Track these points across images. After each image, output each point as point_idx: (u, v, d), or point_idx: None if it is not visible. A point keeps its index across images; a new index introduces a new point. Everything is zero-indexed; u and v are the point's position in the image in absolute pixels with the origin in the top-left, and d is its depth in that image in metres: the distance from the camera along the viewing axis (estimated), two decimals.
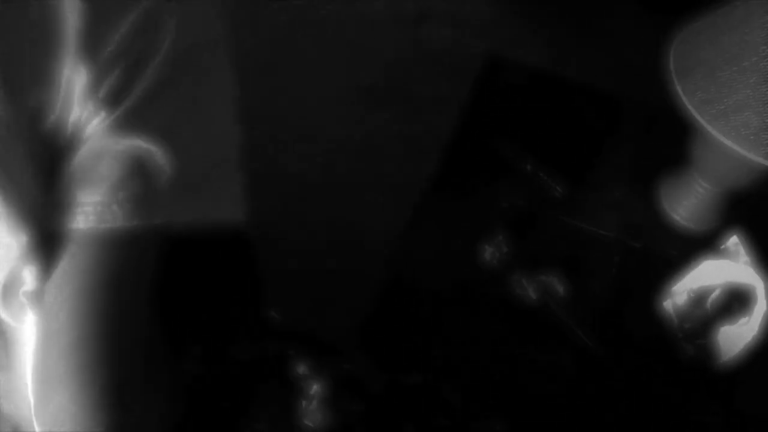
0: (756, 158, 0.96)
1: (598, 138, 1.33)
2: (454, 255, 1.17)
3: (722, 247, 1.11)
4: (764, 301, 1.06)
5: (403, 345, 1.11)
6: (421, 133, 1.87)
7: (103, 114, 0.57)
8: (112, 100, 0.57)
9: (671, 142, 1.18)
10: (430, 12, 2.10)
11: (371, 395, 0.97)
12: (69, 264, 0.57)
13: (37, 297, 0.59)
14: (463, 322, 1.13)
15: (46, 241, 0.59)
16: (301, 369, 0.99)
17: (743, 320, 1.07)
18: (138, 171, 0.57)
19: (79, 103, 0.56)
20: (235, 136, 0.67)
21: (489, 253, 1.15)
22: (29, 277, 0.59)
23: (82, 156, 0.58)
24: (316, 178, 1.81)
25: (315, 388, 0.98)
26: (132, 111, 0.57)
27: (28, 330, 0.61)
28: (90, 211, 0.57)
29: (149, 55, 0.57)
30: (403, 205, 1.69)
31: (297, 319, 1.21)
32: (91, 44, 0.55)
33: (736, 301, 1.07)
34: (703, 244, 1.17)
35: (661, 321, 1.12)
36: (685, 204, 1.20)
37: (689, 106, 1.01)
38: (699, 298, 1.10)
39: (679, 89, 1.03)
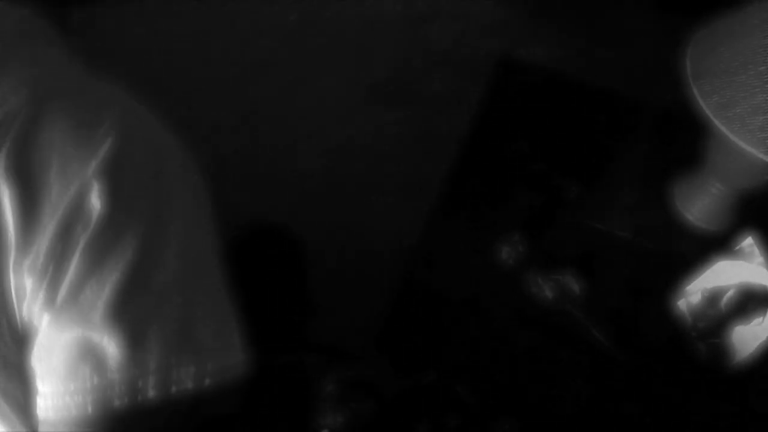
0: None
1: (611, 138, 1.34)
2: (470, 255, 1.18)
3: (737, 247, 1.13)
4: None
5: (418, 345, 1.12)
6: (429, 133, 1.88)
7: (46, 309, 0.57)
8: (51, 293, 0.56)
9: (685, 143, 1.20)
10: (438, 10, 2.10)
11: (385, 395, 0.98)
12: None
13: None
14: (477, 321, 1.14)
15: None
16: (317, 371, 1.00)
17: (757, 320, 1.08)
18: (87, 360, 0.56)
19: (27, 304, 0.57)
20: (215, 293, 0.63)
21: (505, 252, 1.16)
22: None
23: (34, 351, 0.58)
24: (323, 179, 1.82)
25: (330, 389, 0.98)
26: (68, 299, 0.56)
27: None
28: (49, 402, 0.57)
29: (75, 243, 0.56)
30: (412, 205, 1.70)
31: (310, 322, 1.22)
32: (28, 246, 0.56)
33: (750, 301, 1.08)
34: (717, 244, 1.18)
35: (675, 320, 1.13)
36: (699, 204, 1.21)
37: (706, 109, 1.02)
38: (713, 297, 1.12)
39: (695, 92, 1.04)
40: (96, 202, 0.57)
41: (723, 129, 1.00)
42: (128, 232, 0.58)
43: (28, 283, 0.57)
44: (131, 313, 0.57)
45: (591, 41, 1.88)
